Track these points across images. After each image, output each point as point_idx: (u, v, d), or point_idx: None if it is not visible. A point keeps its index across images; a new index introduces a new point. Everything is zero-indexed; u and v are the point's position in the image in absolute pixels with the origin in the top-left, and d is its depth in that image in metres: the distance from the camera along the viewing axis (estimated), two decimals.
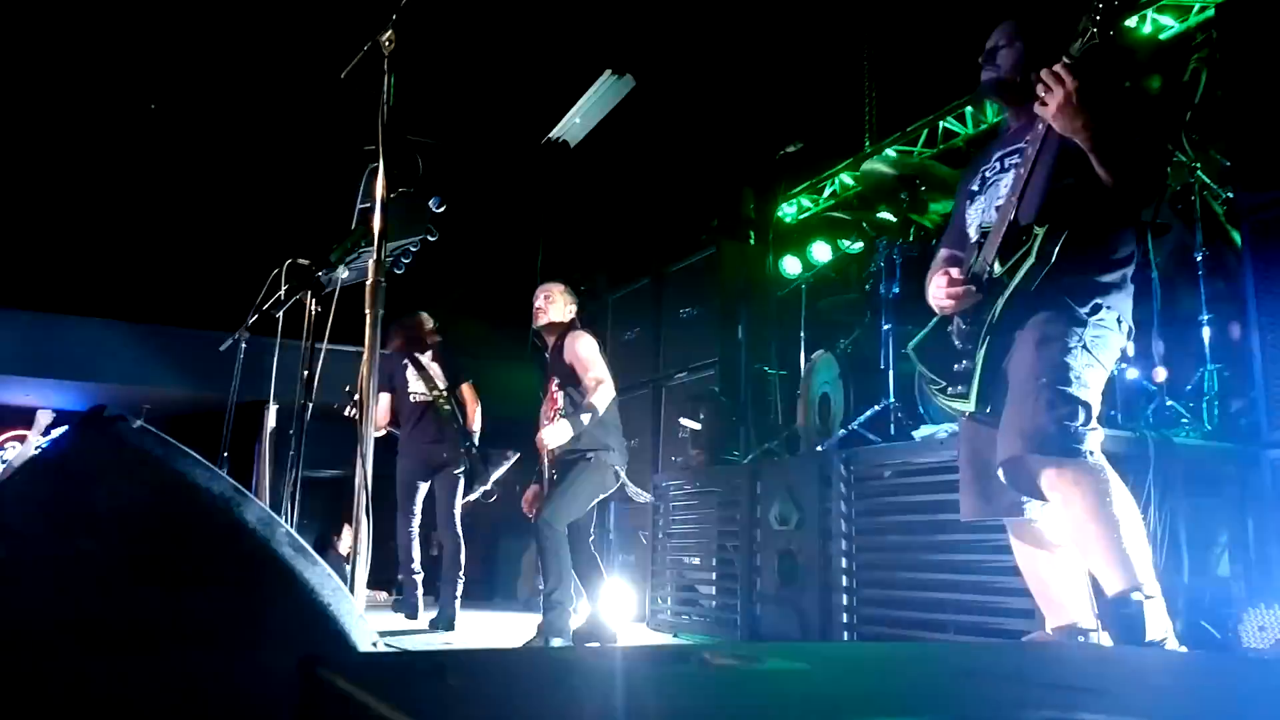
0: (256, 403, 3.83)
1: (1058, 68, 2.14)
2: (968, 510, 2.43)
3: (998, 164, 2.47)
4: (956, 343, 2.37)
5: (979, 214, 2.48)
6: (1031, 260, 2.18)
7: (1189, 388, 3.39)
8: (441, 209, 3.66)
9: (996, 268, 2.26)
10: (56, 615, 1.05)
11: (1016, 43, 2.43)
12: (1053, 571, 2.30)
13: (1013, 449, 2.13)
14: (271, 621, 1.19)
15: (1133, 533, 2.05)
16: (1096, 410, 2.17)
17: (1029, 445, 2.10)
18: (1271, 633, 2.54)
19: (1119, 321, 2.27)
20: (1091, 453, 2.11)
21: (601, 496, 4.13)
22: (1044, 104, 2.15)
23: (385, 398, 5.11)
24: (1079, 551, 2.14)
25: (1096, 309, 2.23)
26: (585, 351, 4.10)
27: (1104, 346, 2.23)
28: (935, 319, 2.47)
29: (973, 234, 2.47)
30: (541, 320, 4.26)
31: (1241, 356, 3.21)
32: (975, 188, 2.53)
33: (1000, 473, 2.18)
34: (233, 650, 1.09)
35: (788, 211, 7.16)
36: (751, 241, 6.87)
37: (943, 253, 2.64)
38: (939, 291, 2.39)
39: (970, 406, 2.27)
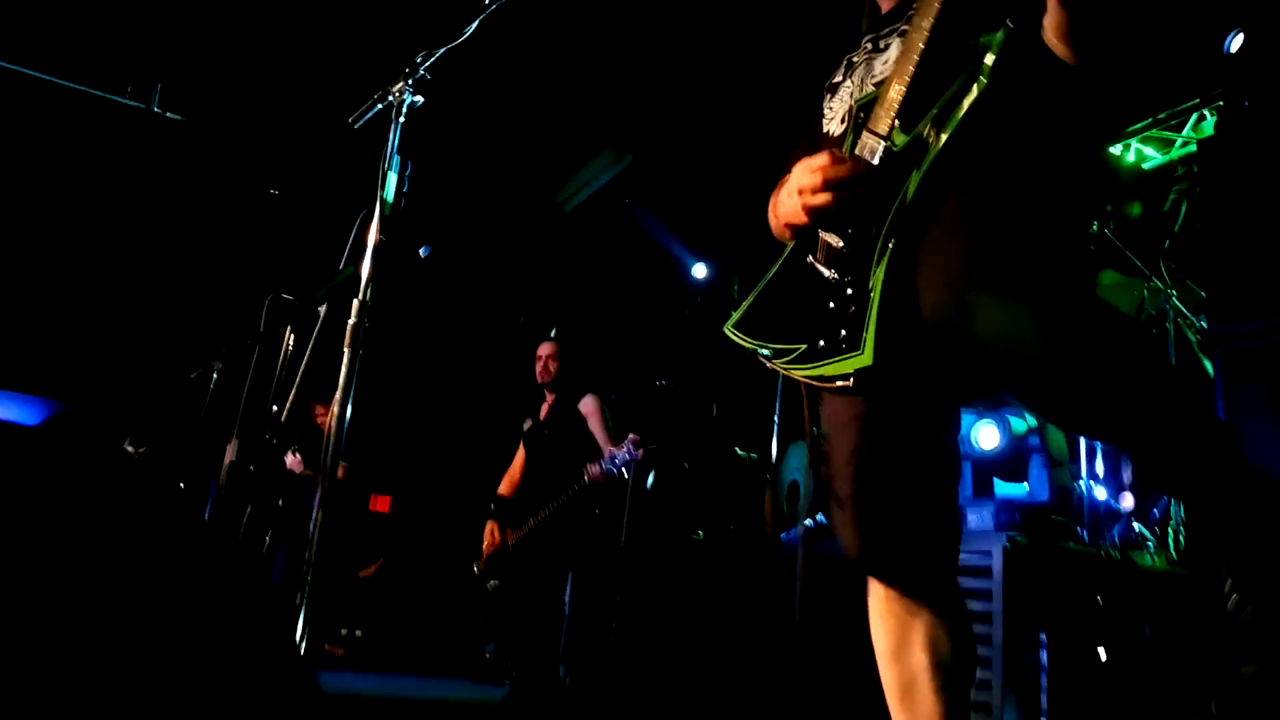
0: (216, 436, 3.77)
1: None
2: (851, 544, 1.56)
3: (869, 44, 1.71)
4: (826, 273, 1.54)
5: (846, 97, 1.68)
6: (984, 82, 1.40)
7: (1156, 512, 3.41)
8: (428, 257, 3.67)
9: (898, 138, 1.48)
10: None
11: None
12: (926, 661, 1.51)
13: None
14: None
15: None
16: None
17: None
18: None
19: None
20: None
21: None
22: None
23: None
24: None
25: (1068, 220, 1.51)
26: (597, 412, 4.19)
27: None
28: (770, 274, 1.67)
29: (837, 126, 1.66)
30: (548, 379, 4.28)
31: None
32: (837, 79, 1.74)
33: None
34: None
35: None
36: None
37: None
38: (811, 177, 1.50)
39: (865, 359, 1.38)
